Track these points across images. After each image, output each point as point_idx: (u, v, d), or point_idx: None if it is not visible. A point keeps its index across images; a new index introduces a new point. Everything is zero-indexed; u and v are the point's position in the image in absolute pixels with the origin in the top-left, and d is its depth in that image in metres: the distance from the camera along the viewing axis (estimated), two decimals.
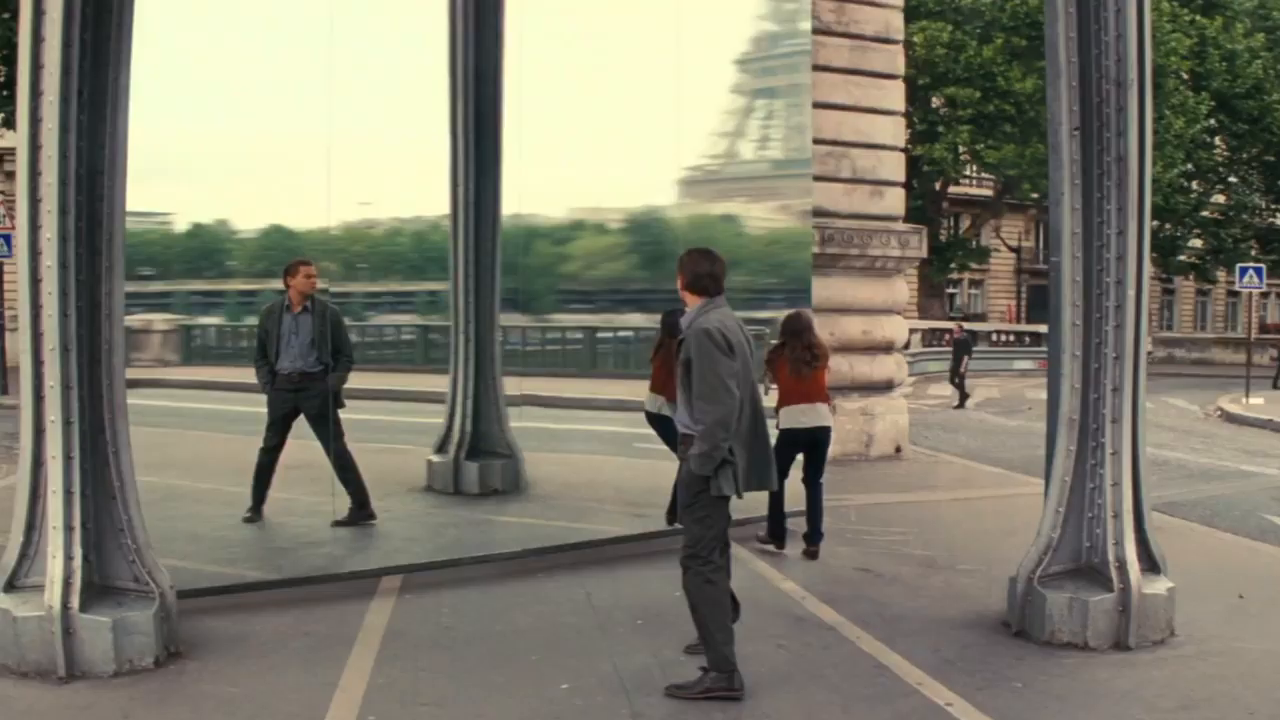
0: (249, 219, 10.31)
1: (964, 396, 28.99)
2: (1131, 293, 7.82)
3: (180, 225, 10.10)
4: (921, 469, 16.64)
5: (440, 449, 11.52)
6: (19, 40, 6.83)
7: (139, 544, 7.18)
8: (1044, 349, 41.03)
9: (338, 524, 9.86)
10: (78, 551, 6.90)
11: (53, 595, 6.81)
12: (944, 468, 17.08)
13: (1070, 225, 7.99)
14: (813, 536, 10.29)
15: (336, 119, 9.36)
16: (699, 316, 6.70)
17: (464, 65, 11.20)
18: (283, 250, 10.31)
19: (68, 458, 6.92)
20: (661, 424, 10.20)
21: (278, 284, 9.98)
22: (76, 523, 6.93)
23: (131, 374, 8.15)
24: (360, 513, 9.92)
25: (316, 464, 9.81)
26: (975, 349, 45.20)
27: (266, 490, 9.78)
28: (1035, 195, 47.33)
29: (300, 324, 9.86)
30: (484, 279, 11.48)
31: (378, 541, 10.07)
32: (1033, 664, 7.38)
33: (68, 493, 6.92)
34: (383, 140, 10.25)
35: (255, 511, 9.76)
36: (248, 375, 10.04)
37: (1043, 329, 46.38)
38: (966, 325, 34.05)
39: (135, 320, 9.90)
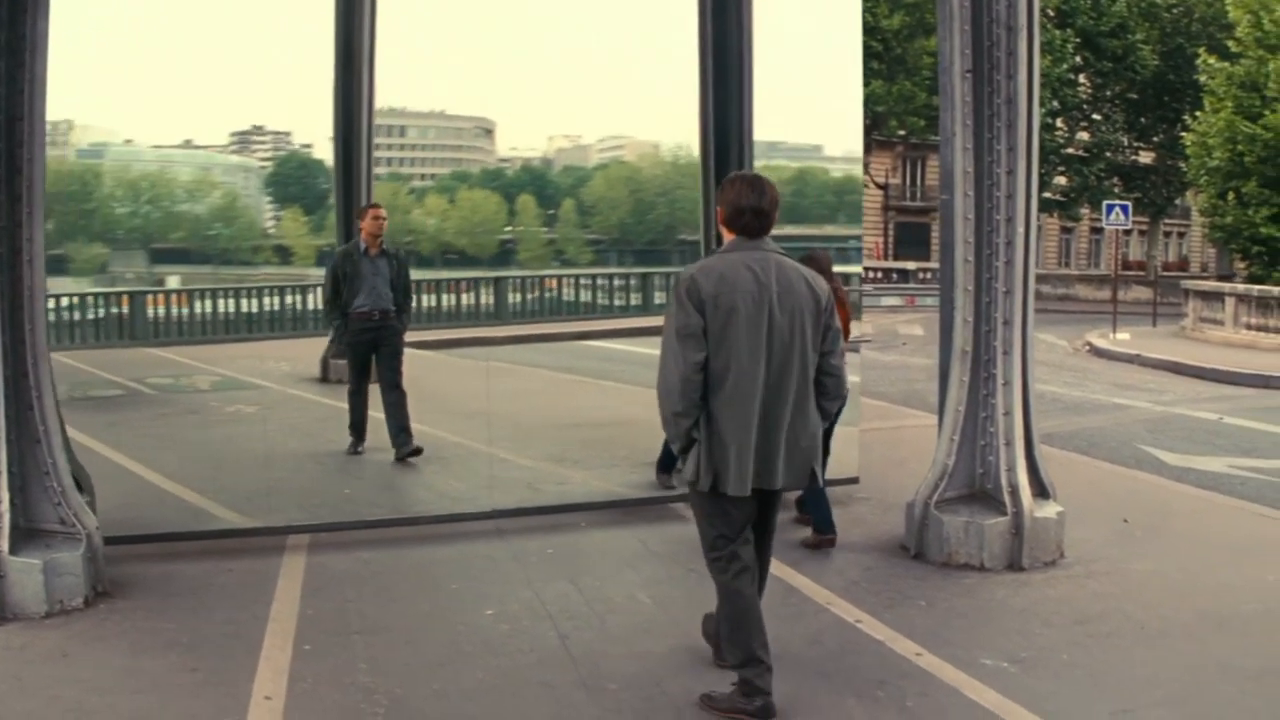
0: None
1: None
2: (1021, 230, 8.13)
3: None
4: None
5: None
6: None
7: (64, 486, 7.25)
8: (911, 285, 41.47)
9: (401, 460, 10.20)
10: (5, 495, 6.95)
11: None
12: None
13: (962, 164, 8.27)
14: (821, 525, 8.70)
15: None
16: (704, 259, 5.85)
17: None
18: None
19: None
20: None
21: None
22: (2, 467, 6.96)
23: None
24: (410, 444, 10.23)
25: None
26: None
27: (365, 423, 10.32)
28: (902, 132, 48.00)
29: (379, 266, 10.24)
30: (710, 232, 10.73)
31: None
32: (934, 584, 7.76)
33: None
34: None
35: (359, 444, 10.40)
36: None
37: (910, 265, 47.28)
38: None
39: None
